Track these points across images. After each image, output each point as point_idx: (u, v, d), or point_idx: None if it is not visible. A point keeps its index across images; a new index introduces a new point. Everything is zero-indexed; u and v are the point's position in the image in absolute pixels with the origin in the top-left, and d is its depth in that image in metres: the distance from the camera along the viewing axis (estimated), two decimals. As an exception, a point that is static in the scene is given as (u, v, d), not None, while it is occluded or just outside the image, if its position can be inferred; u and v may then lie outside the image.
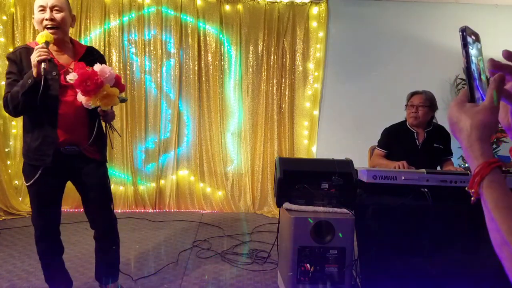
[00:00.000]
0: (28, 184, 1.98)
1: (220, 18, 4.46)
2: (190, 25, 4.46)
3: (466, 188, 0.66)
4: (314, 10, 4.52)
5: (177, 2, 4.41)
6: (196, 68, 4.47)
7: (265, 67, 4.53)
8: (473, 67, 0.68)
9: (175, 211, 4.44)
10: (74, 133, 1.95)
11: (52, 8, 1.88)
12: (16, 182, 4.31)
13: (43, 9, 1.88)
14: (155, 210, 4.41)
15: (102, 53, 4.22)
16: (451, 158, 2.94)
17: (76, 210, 4.25)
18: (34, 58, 1.75)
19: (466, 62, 0.67)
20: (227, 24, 4.49)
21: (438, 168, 2.89)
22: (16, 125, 4.35)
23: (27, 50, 1.90)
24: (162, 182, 4.51)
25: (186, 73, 4.50)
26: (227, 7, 4.48)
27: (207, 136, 4.54)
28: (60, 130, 1.92)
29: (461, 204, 2.14)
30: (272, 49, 4.51)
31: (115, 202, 2.29)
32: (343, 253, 2.18)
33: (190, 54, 4.47)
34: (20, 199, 4.20)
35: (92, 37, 4.36)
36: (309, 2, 4.50)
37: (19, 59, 1.90)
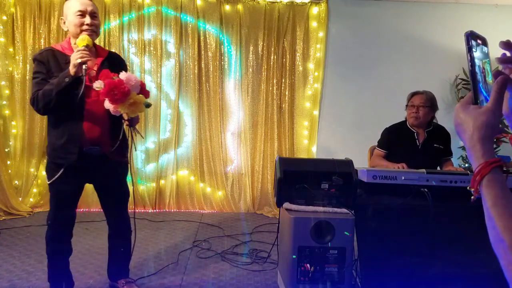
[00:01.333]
0: (50, 182, 2.03)
1: (220, 18, 4.46)
2: (190, 25, 4.46)
3: (468, 187, 0.68)
4: (314, 10, 4.52)
5: (177, 2, 4.40)
6: (196, 68, 4.47)
7: (265, 67, 4.53)
8: (477, 70, 0.70)
9: (175, 211, 4.44)
10: (97, 133, 2.01)
11: (91, 14, 2.01)
12: (16, 182, 4.31)
13: (82, 14, 1.99)
14: (155, 210, 4.41)
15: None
16: (451, 159, 2.94)
17: (76, 210, 4.25)
18: (75, 58, 1.84)
19: (470, 66, 0.70)
20: (227, 24, 4.49)
21: (438, 168, 2.89)
22: (16, 125, 4.35)
23: (53, 52, 2.01)
24: (162, 182, 4.51)
25: (186, 73, 4.50)
26: (227, 7, 4.48)
27: (207, 136, 4.54)
28: (85, 129, 1.98)
29: (461, 204, 2.14)
30: (272, 49, 4.51)
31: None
32: (343, 253, 2.18)
33: (190, 54, 4.47)
34: (20, 199, 4.20)
35: (92, 37, 4.36)
36: (309, 2, 4.49)
37: (46, 60, 1.99)
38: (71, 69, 1.85)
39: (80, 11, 1.98)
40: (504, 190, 0.62)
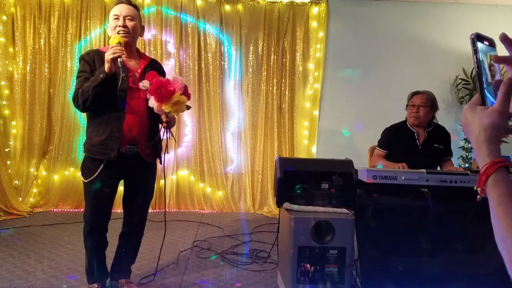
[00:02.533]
0: (88, 180, 2.08)
1: (220, 18, 4.46)
2: (190, 25, 4.46)
3: (474, 187, 0.69)
4: (314, 10, 4.52)
5: (177, 2, 4.41)
6: (196, 68, 4.47)
7: (265, 67, 4.53)
8: (484, 71, 0.70)
9: (175, 211, 4.44)
10: (136, 133, 2.07)
11: (125, 17, 2.08)
12: (16, 182, 4.31)
13: (117, 17, 2.07)
14: (155, 210, 4.41)
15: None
16: (451, 159, 2.94)
17: (76, 210, 4.25)
18: (108, 55, 1.90)
19: (477, 68, 0.70)
20: (227, 24, 4.49)
21: (438, 168, 2.89)
22: (16, 125, 4.35)
23: (99, 54, 2.08)
24: (162, 182, 4.51)
25: (186, 73, 4.50)
26: (227, 7, 4.48)
27: (207, 136, 4.54)
28: (125, 128, 2.04)
29: (461, 204, 2.15)
30: (272, 49, 4.51)
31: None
32: (343, 253, 2.18)
33: (190, 54, 4.47)
34: (20, 199, 4.20)
35: (92, 37, 4.36)
36: (309, 2, 4.49)
37: (92, 60, 2.06)
38: (106, 66, 1.92)
39: (115, 14, 2.08)
40: (510, 189, 0.63)
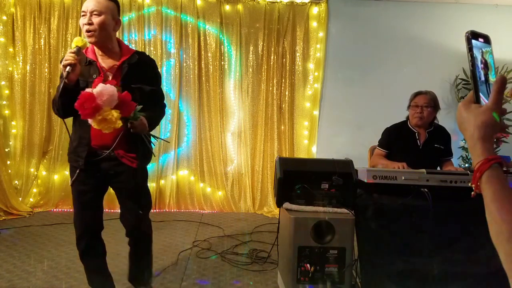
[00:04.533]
0: (70, 183, 2.03)
1: (220, 18, 4.46)
2: (190, 25, 4.46)
3: (469, 184, 0.71)
4: (314, 10, 4.52)
5: (177, 2, 4.41)
6: (196, 68, 4.47)
7: (265, 67, 4.53)
8: (478, 69, 0.72)
9: (175, 211, 4.44)
10: (107, 136, 1.88)
11: (91, 13, 1.86)
12: (16, 182, 4.31)
13: (84, 14, 1.88)
14: (155, 210, 4.40)
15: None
16: (451, 159, 2.94)
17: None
18: (62, 62, 1.78)
19: (471, 65, 0.72)
20: (227, 24, 4.49)
21: (438, 168, 2.89)
22: (16, 125, 4.35)
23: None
24: (162, 182, 4.51)
25: (186, 73, 4.50)
26: (227, 7, 4.48)
27: (207, 136, 4.54)
28: (94, 132, 1.90)
29: (461, 204, 2.15)
30: (272, 49, 4.51)
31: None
32: (343, 253, 2.18)
33: (190, 54, 4.47)
34: (20, 199, 4.20)
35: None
36: (309, 2, 4.49)
37: None
38: (64, 73, 1.78)
39: (82, 11, 1.89)
40: (503, 185, 0.65)
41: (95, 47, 1.96)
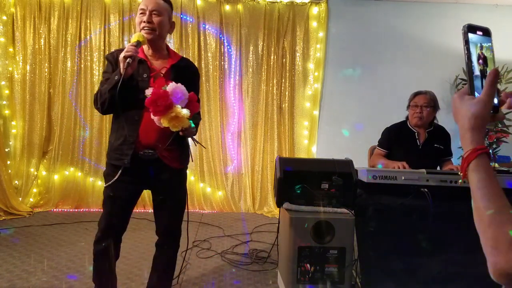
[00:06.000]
0: (106, 185, 1.96)
1: (220, 18, 4.46)
2: (190, 25, 4.46)
3: (459, 173, 0.75)
4: (314, 10, 4.52)
5: (177, 2, 4.40)
6: (196, 68, 4.47)
7: (265, 67, 4.53)
8: (473, 63, 0.74)
9: (175, 211, 4.43)
10: (154, 137, 1.91)
11: (151, 12, 1.90)
12: (16, 182, 4.31)
13: (143, 12, 1.90)
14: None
15: (103, 53, 4.29)
16: (451, 159, 2.94)
17: (76, 210, 4.26)
18: (121, 54, 1.77)
19: (467, 58, 0.74)
20: (227, 24, 4.49)
21: (438, 168, 2.89)
22: (16, 125, 4.35)
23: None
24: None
25: (186, 73, 4.50)
26: (227, 7, 4.48)
27: (207, 136, 4.54)
28: (141, 132, 1.90)
29: (461, 204, 2.14)
30: (272, 49, 4.51)
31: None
32: (343, 253, 2.18)
33: (190, 54, 4.47)
34: (20, 199, 4.20)
35: (92, 37, 4.36)
36: (309, 2, 4.49)
37: (114, 60, 1.92)
38: (120, 66, 1.78)
39: (141, 8, 1.92)
40: (488, 174, 0.69)
41: (144, 48, 1.98)
